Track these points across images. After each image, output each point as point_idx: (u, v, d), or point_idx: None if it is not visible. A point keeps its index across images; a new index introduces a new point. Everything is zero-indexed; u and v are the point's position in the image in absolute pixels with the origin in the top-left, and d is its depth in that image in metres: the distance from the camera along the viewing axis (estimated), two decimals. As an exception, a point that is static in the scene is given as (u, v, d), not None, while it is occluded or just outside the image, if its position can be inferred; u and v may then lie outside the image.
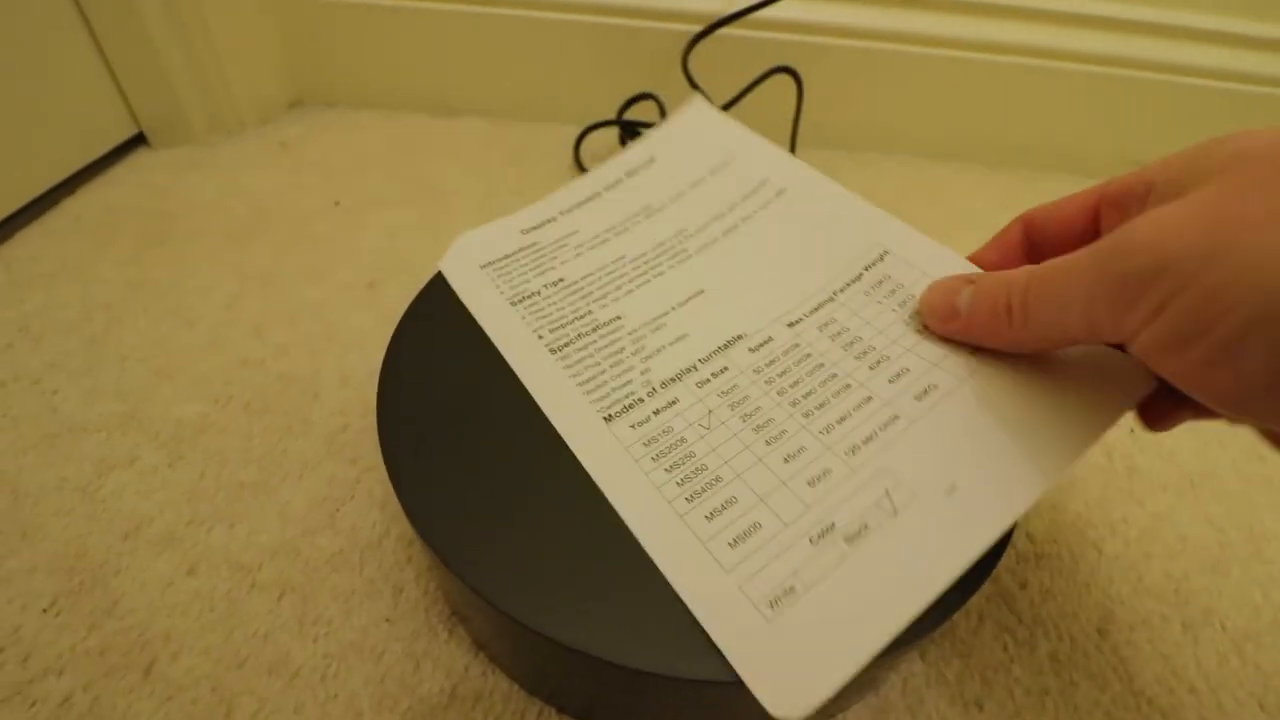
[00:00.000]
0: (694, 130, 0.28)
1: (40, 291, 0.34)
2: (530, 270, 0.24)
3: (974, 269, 0.22)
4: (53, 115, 0.40)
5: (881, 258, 0.23)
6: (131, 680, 0.21)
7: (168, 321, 0.33)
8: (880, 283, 0.22)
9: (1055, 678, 0.22)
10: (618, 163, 0.28)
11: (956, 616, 0.24)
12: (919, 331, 0.20)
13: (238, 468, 0.27)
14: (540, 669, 0.19)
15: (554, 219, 0.26)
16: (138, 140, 0.46)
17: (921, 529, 0.16)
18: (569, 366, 0.21)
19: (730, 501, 0.17)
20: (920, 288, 0.21)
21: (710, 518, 0.17)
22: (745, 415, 0.19)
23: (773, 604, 0.15)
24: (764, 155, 0.27)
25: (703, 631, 0.15)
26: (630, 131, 0.46)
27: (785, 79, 0.42)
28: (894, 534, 0.16)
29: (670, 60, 0.46)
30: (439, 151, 0.47)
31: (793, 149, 0.42)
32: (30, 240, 0.37)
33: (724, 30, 0.45)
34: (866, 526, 0.16)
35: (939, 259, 0.22)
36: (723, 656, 0.15)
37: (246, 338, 0.32)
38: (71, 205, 0.40)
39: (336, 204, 0.41)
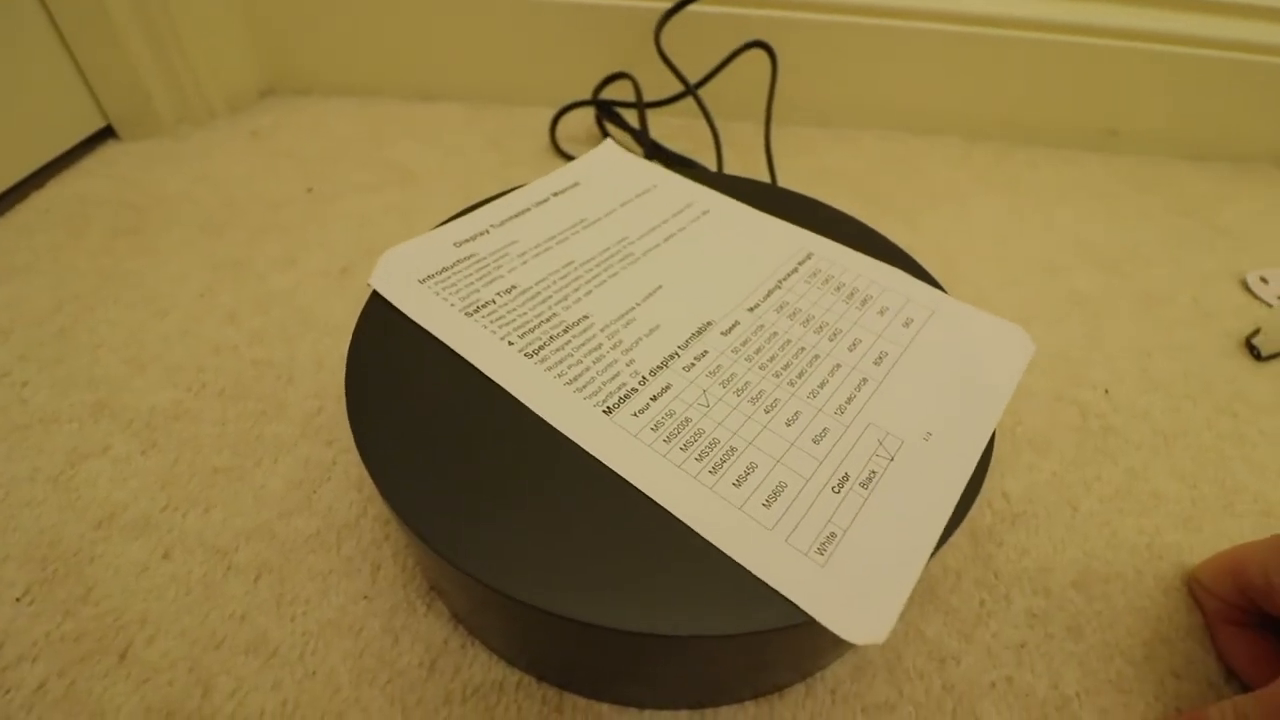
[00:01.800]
0: (612, 165, 0.30)
1: (8, 285, 0.33)
2: (477, 280, 0.24)
3: (894, 271, 0.25)
4: (15, 109, 0.39)
5: (809, 257, 0.26)
6: (107, 664, 0.20)
7: (140, 311, 0.32)
8: (815, 274, 0.25)
9: (1031, 631, 0.23)
10: (543, 184, 0.29)
11: (936, 573, 0.24)
12: (858, 310, 0.23)
13: (212, 453, 0.26)
14: (526, 640, 0.19)
15: (486, 231, 0.26)
16: (106, 133, 0.45)
17: (917, 468, 0.18)
18: (551, 368, 0.21)
19: (751, 468, 0.18)
20: (848, 278, 0.25)
21: (738, 484, 0.18)
22: (738, 390, 0.21)
23: (820, 549, 0.17)
24: (683, 185, 0.29)
25: (713, 588, 0.16)
26: (607, 111, 0.45)
27: (759, 54, 0.42)
28: (897, 475, 0.18)
29: (644, 39, 0.45)
30: (414, 136, 0.47)
31: (767, 125, 0.41)
32: (-3, 235, 0.36)
33: (696, 6, 0.44)
34: (874, 473, 0.18)
35: (856, 259, 0.26)
36: (753, 609, 0.16)
37: (220, 325, 0.32)
38: (40, 199, 0.39)
39: (309, 191, 0.41)
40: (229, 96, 0.48)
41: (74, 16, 0.40)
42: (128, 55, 0.41)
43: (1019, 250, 0.40)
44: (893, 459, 0.19)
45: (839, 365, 0.21)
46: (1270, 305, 0.37)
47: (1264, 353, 0.33)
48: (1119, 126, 0.50)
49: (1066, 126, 0.50)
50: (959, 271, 0.38)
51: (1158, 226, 0.43)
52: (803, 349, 0.22)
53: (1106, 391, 0.31)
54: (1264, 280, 0.38)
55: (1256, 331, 0.34)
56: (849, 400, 0.20)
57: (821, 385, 0.21)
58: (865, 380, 0.21)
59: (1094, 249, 0.41)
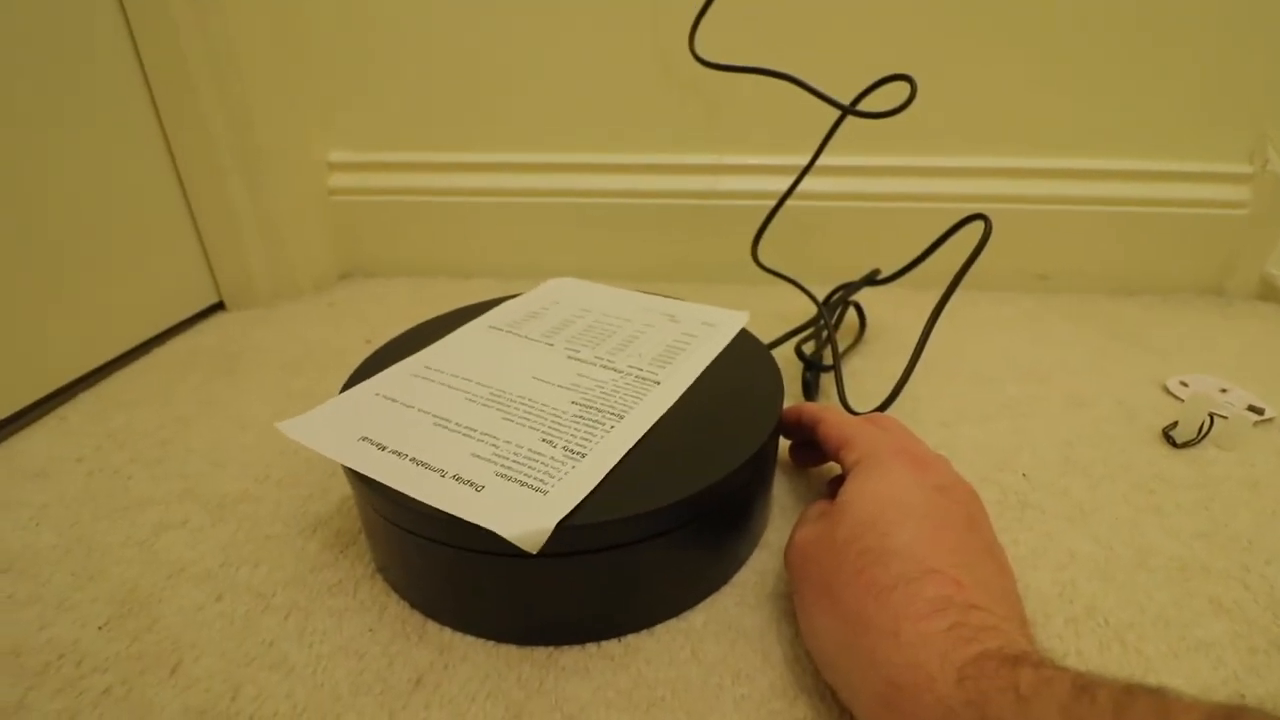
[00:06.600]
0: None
1: (127, 412, 0.42)
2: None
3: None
4: (156, 289, 0.51)
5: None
6: (160, 676, 0.25)
7: (226, 427, 0.41)
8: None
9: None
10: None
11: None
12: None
13: (267, 524, 0.33)
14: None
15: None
16: (217, 307, 0.57)
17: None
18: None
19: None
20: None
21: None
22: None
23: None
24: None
25: None
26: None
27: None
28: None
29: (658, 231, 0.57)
30: (456, 303, 0.58)
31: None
32: (123, 378, 0.47)
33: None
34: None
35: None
36: None
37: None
38: (159, 351, 0.50)
39: (368, 342, 0.51)
40: (315, 278, 0.61)
41: (212, 227, 0.54)
42: (245, 251, 0.55)
43: (953, 367, 0.45)
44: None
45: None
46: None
47: (1179, 441, 0.37)
48: (1050, 271, 0.58)
49: (1001, 272, 0.57)
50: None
51: (1087, 346, 0.49)
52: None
53: (1024, 475, 0.35)
54: (1184, 384, 0.43)
55: (1174, 424, 0.38)
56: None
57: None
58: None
59: (1026, 365, 0.46)
